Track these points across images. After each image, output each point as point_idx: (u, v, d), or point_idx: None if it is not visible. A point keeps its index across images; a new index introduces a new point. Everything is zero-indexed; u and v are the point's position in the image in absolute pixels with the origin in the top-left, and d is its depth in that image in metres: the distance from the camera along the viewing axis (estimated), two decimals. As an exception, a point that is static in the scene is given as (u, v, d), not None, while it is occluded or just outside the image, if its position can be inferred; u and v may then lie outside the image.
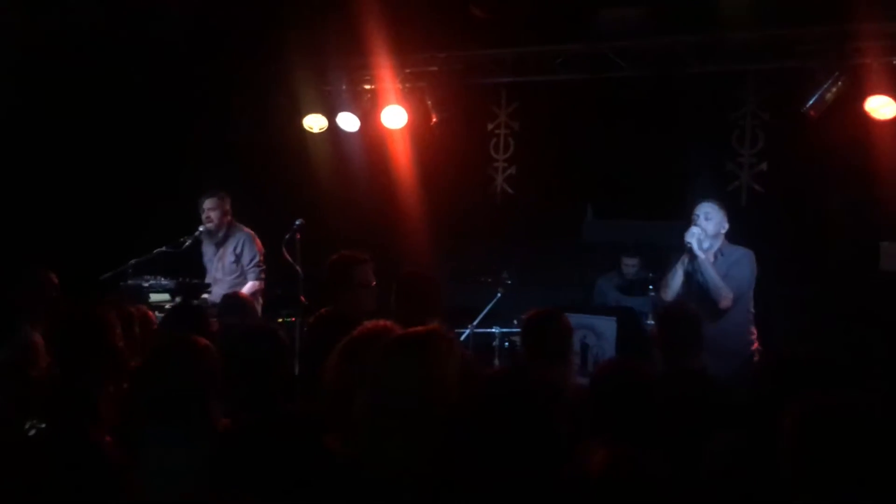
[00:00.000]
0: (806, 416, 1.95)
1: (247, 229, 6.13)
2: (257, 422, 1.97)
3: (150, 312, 4.23)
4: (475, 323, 6.15)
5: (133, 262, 5.76)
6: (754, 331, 4.88)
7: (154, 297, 5.61)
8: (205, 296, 5.81)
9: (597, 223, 7.09)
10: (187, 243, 5.96)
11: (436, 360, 2.02)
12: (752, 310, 4.87)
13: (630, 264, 6.47)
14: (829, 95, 5.46)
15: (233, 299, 4.75)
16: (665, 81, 6.13)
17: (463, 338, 6.15)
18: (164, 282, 5.69)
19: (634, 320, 5.30)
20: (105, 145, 6.85)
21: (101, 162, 6.81)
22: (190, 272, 6.07)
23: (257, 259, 6.04)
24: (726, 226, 4.89)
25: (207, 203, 6.04)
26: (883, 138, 5.45)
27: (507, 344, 5.99)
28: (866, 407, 1.93)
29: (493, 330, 6.10)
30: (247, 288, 5.92)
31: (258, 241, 6.12)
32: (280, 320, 6.23)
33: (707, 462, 2.55)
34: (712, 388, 3.27)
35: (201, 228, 6.00)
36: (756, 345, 4.86)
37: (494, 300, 6.18)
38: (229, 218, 6.10)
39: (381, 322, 3.02)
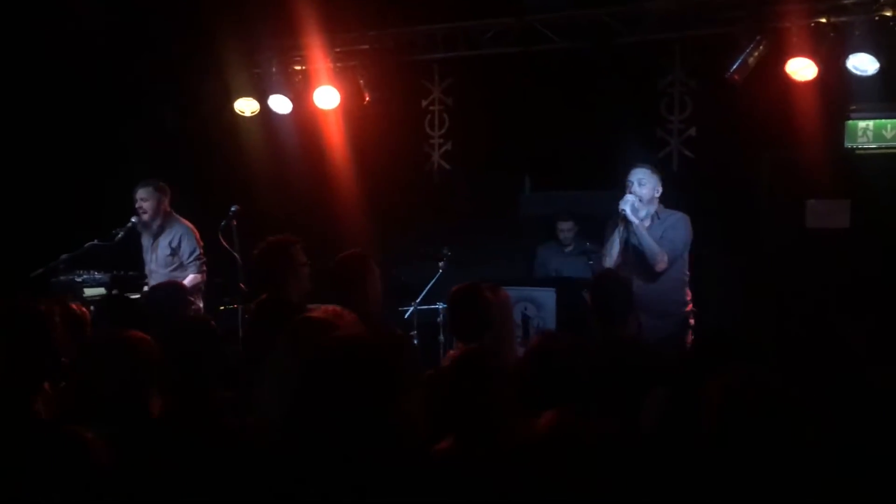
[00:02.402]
0: (728, 388, 2.05)
1: (185, 222, 6.00)
2: (183, 411, 1.97)
3: (85, 309, 4.15)
4: (418, 300, 6.18)
5: (64, 256, 5.63)
6: (689, 293, 5.02)
7: (88, 291, 5.52)
8: (146, 288, 5.73)
9: (534, 195, 7.17)
10: (119, 236, 5.81)
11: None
12: (688, 272, 5.00)
13: (565, 228, 6.58)
14: (751, 60, 5.58)
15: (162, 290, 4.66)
16: (594, 52, 6.20)
17: (407, 315, 6.19)
18: (97, 276, 5.58)
19: (573, 290, 5.39)
20: (28, 137, 6.65)
21: (25, 154, 6.62)
22: (124, 265, 5.96)
23: (197, 252, 5.94)
24: (660, 190, 4.99)
25: (140, 193, 5.90)
26: (804, 99, 5.60)
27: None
28: (782, 385, 2.06)
29: (437, 306, 6.15)
30: (188, 281, 5.83)
31: (197, 233, 6.01)
32: (221, 308, 6.17)
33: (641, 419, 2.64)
34: (642, 353, 3.36)
35: (134, 219, 5.87)
36: (690, 306, 5.01)
37: (436, 276, 6.22)
38: (166, 209, 5.97)
39: (332, 308, 3.02)
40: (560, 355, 2.68)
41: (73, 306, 3.75)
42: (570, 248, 6.61)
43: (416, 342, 5.90)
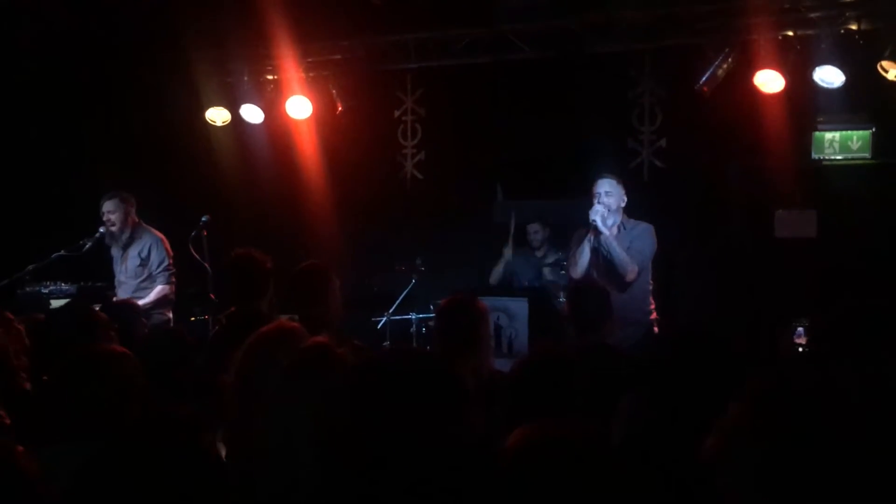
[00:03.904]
0: (759, 396, 2.03)
1: (155, 232, 5.92)
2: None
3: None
4: (391, 310, 6.16)
5: (30, 267, 5.54)
6: (653, 301, 5.07)
7: (55, 303, 5.41)
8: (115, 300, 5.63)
9: (506, 204, 7.18)
10: (87, 246, 5.72)
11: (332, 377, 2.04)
12: (651, 281, 5.05)
13: (533, 231, 6.57)
14: (720, 71, 5.66)
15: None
16: (566, 63, 6.24)
17: (380, 325, 6.16)
18: (64, 287, 5.49)
19: (546, 300, 5.40)
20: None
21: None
22: (91, 276, 5.86)
23: (166, 263, 5.86)
24: (625, 199, 5.03)
25: (107, 205, 5.82)
26: (772, 111, 5.69)
27: (423, 329, 6.02)
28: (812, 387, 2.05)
29: (410, 316, 6.13)
30: (155, 292, 5.75)
31: (167, 243, 5.93)
32: (192, 318, 6.10)
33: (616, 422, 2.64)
34: (621, 360, 3.37)
35: (101, 230, 5.79)
36: (654, 315, 5.05)
37: (409, 286, 6.20)
38: (134, 219, 5.89)
39: (287, 323, 2.98)
40: (559, 364, 2.66)
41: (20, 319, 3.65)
42: (540, 253, 6.61)
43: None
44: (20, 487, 1.67)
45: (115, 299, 5.55)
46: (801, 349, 4.89)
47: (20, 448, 1.77)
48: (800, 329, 4.98)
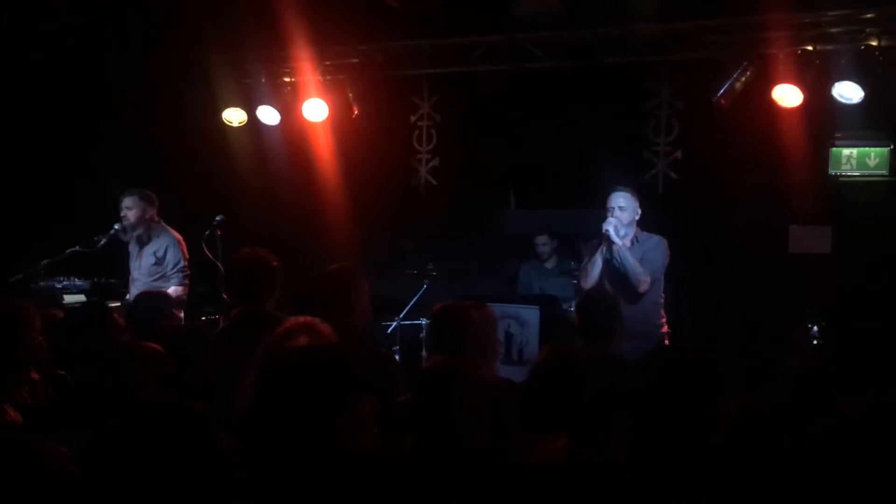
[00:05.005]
0: (741, 420, 2.06)
1: (174, 233, 5.94)
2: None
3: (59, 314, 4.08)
4: (402, 315, 6.15)
5: (45, 262, 5.57)
6: (664, 314, 5.04)
7: (68, 298, 5.45)
8: (128, 297, 5.68)
9: (520, 213, 7.17)
10: (102, 242, 5.75)
11: None
12: (663, 294, 5.02)
13: (542, 243, 6.56)
14: (738, 85, 5.63)
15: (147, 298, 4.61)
16: (584, 72, 6.23)
17: (390, 330, 6.16)
18: (78, 282, 5.53)
19: (557, 308, 5.38)
20: (13, 140, 6.59)
21: (9, 159, 6.55)
22: (105, 272, 5.89)
23: (182, 264, 5.88)
24: (639, 212, 5.02)
25: (126, 201, 5.85)
26: (790, 126, 5.66)
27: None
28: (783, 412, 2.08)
29: (420, 321, 6.11)
30: (169, 292, 5.78)
31: (184, 245, 5.95)
32: (203, 318, 6.12)
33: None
34: (630, 374, 3.35)
35: (116, 226, 5.82)
36: (665, 328, 5.03)
37: (420, 292, 6.20)
38: (153, 218, 5.91)
39: (306, 319, 3.00)
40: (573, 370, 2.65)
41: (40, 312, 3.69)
42: (550, 265, 6.59)
43: (397, 357, 5.86)
44: (58, 488, 1.70)
45: (143, 291, 5.58)
46: (815, 342, 4.88)
47: (65, 451, 1.80)
48: (815, 328, 4.97)
